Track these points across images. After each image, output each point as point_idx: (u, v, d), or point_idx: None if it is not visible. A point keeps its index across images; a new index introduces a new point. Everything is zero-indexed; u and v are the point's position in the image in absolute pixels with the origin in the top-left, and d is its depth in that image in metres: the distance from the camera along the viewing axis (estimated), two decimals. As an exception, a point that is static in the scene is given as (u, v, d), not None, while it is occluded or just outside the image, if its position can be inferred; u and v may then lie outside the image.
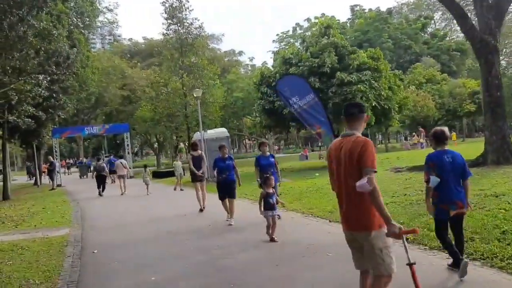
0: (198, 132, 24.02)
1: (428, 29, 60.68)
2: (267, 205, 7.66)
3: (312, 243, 7.11)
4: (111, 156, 32.08)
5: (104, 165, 20.41)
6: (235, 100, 38.50)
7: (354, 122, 3.46)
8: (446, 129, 5.16)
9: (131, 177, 31.90)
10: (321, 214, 9.54)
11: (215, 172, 9.81)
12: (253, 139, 73.34)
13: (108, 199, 17.62)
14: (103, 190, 18.99)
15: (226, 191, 9.65)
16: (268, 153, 9.55)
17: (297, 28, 53.84)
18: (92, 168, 26.74)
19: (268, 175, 8.05)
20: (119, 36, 55.96)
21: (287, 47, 52.97)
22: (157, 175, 27.76)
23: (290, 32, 54.84)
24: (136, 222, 10.92)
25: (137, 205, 14.79)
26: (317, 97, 9.54)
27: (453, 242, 5.00)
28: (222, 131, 23.08)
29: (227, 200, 9.70)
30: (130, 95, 40.83)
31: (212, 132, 22.22)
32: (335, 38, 22.73)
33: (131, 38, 77.46)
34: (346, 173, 3.35)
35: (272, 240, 7.49)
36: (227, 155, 9.78)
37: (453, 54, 56.36)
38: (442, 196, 4.89)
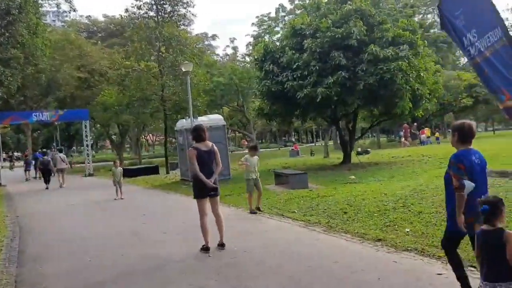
0: (184, 120, 18.75)
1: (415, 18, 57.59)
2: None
3: None
4: (37, 152, 31.91)
5: (50, 159, 21.08)
6: (216, 85, 33.00)
7: None
8: (474, 124, 4.10)
9: (90, 174, 26.58)
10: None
11: None
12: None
13: (65, 209, 12.25)
14: (48, 182, 19.42)
15: None
16: None
17: (280, 10, 48.84)
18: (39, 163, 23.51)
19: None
20: (75, 11, 48.88)
21: (268, 31, 48.04)
22: (125, 173, 22.23)
23: (272, 14, 49.70)
24: (123, 276, 5.69)
25: (113, 224, 9.48)
26: (508, 37, 4.63)
27: None
28: (217, 118, 17.86)
29: None
30: (89, 78, 34.50)
31: (204, 119, 16.91)
32: (361, 3, 18.01)
33: (89, 15, 70.22)
34: None
35: None
36: None
37: (440, 46, 53.28)
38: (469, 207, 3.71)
